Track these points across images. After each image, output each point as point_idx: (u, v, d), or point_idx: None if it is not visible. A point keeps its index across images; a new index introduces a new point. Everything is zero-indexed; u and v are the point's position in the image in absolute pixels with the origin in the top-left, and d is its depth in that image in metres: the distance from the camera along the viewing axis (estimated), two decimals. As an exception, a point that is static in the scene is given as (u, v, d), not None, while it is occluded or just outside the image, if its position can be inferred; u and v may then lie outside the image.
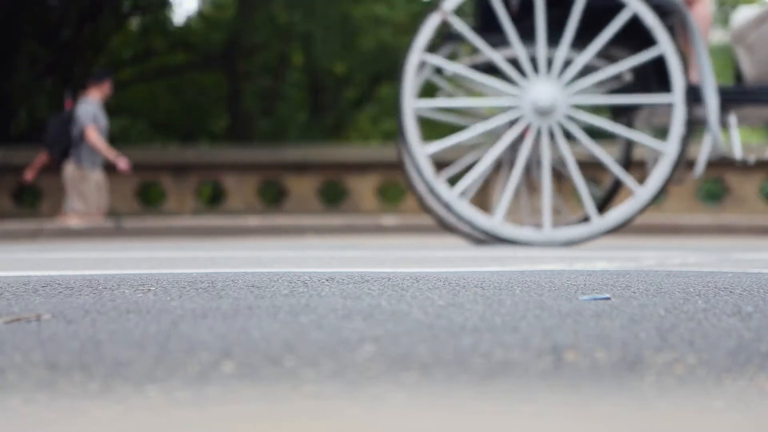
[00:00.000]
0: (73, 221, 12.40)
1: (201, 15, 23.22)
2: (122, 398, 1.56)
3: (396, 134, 26.30)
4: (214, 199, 17.01)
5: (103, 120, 12.48)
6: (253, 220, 12.40)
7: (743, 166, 14.25)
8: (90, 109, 12.32)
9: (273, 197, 15.64)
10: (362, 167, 15.01)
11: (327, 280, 2.93)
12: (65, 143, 12.47)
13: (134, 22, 21.76)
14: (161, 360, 1.75)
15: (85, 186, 12.52)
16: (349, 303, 2.39)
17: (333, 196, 15.65)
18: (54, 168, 12.81)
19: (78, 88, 13.66)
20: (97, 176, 12.56)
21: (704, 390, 1.61)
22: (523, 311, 2.25)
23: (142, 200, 15.43)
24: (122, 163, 12.39)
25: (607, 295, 2.59)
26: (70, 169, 12.50)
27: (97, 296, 2.60)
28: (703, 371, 1.71)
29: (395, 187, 15.65)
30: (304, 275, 3.14)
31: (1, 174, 14.74)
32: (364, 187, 14.94)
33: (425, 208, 7.35)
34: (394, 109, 25.93)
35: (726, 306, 2.37)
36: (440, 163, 7.47)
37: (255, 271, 3.86)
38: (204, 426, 1.40)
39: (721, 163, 14.31)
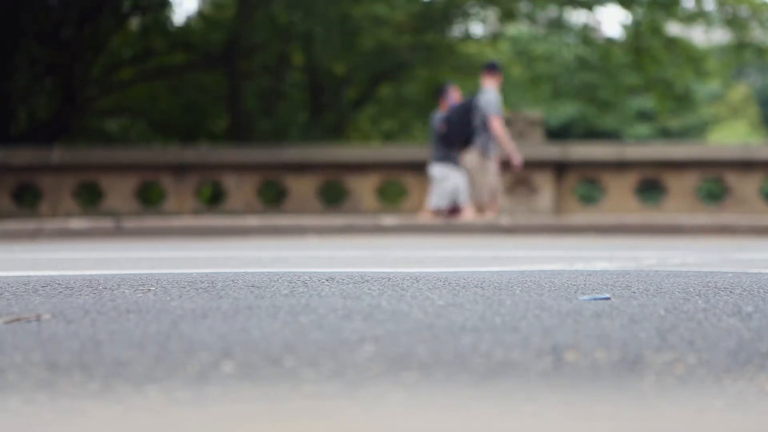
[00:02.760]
0: (468, 215, 12.11)
1: (201, 15, 23.20)
2: (122, 398, 1.56)
3: (396, 134, 26.06)
4: (214, 199, 16.99)
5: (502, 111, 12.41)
6: (253, 220, 12.39)
7: (743, 166, 14.24)
8: (493, 99, 12.18)
9: (273, 197, 15.63)
10: (362, 167, 15.00)
11: (327, 280, 2.93)
12: (468, 133, 12.22)
13: (134, 22, 21.74)
14: (161, 360, 1.75)
15: (486, 177, 12.29)
16: (349, 303, 2.39)
17: (333, 196, 15.64)
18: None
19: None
20: (494, 166, 12.35)
21: (704, 390, 1.61)
22: (523, 311, 2.25)
23: (142, 200, 15.42)
24: (516, 159, 12.30)
25: (607, 295, 2.59)
26: (472, 158, 12.26)
27: (97, 296, 2.59)
28: (703, 371, 1.71)
29: (395, 187, 15.64)
30: (304, 275, 3.14)
31: (1, 174, 14.72)
32: (364, 187, 14.93)
33: None
34: (394, 108, 25.74)
35: (726, 306, 2.37)
36: None
37: (255, 271, 3.86)
38: (204, 426, 1.40)
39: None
